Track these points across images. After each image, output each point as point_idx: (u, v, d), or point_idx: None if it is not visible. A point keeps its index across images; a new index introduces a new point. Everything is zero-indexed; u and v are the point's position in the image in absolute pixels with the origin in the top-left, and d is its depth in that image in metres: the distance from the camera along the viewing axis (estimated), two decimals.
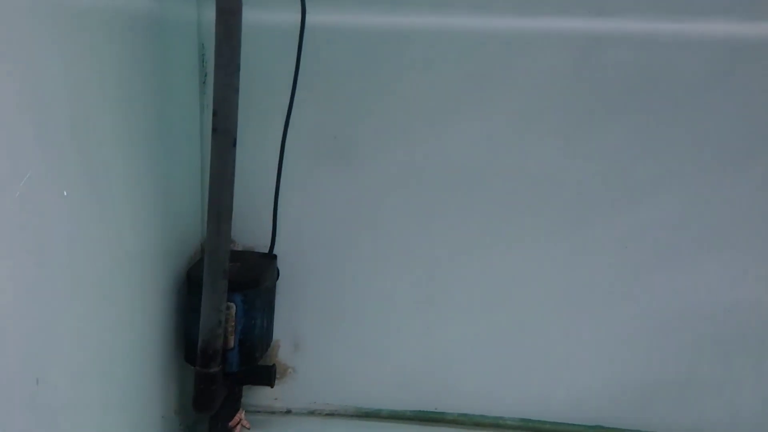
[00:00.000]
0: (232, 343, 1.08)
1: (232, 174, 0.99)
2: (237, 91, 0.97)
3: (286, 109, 1.14)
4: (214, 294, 1.00)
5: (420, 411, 1.26)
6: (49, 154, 0.72)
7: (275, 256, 1.21)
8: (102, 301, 0.85)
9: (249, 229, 1.22)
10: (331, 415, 1.26)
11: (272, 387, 1.18)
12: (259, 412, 1.25)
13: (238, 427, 1.14)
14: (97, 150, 0.83)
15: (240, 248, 1.23)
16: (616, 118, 1.13)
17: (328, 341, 1.26)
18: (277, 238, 1.21)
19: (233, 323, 1.07)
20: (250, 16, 0.97)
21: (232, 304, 1.07)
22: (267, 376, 1.15)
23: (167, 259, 1.06)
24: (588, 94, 1.12)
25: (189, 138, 1.12)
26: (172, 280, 1.08)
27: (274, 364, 1.19)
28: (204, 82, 1.17)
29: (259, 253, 1.21)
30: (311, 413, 1.26)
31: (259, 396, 1.26)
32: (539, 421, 1.23)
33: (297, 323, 1.25)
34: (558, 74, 1.12)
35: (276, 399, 1.27)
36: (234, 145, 0.98)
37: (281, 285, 1.23)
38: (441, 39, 1.13)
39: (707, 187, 1.14)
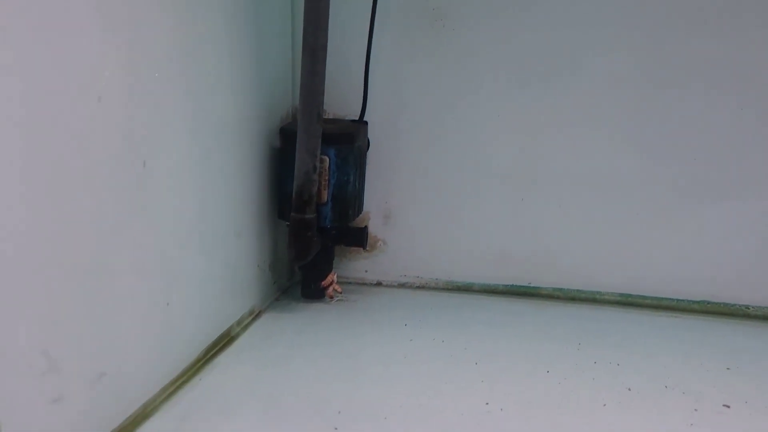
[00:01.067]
0: (325, 197, 1.07)
1: (326, 12, 0.98)
2: None
3: None
4: (310, 137, 1.00)
5: (513, 285, 1.23)
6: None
7: (366, 123, 1.19)
8: (203, 162, 0.85)
9: (342, 99, 1.20)
10: (422, 287, 1.25)
11: (364, 248, 1.17)
12: (348, 283, 1.25)
13: (331, 288, 1.14)
14: (193, 26, 0.82)
15: (331, 117, 1.22)
16: None
17: (419, 214, 1.24)
18: (369, 109, 1.19)
19: (327, 177, 1.07)
20: None
21: (326, 157, 1.06)
22: (359, 236, 1.14)
23: (261, 117, 1.05)
24: None
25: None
26: (267, 136, 1.07)
27: (366, 226, 1.18)
28: None
29: (351, 120, 1.20)
30: (402, 285, 1.25)
31: (349, 268, 1.26)
32: (639, 296, 1.18)
33: (388, 195, 1.24)
34: None
35: (366, 271, 1.26)
36: None
37: (372, 156, 1.22)
38: None
39: None
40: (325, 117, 1.21)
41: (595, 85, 1.13)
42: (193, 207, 0.85)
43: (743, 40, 1.08)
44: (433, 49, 1.18)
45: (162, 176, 0.76)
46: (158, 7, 0.74)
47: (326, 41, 0.99)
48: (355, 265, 1.26)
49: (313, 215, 1.03)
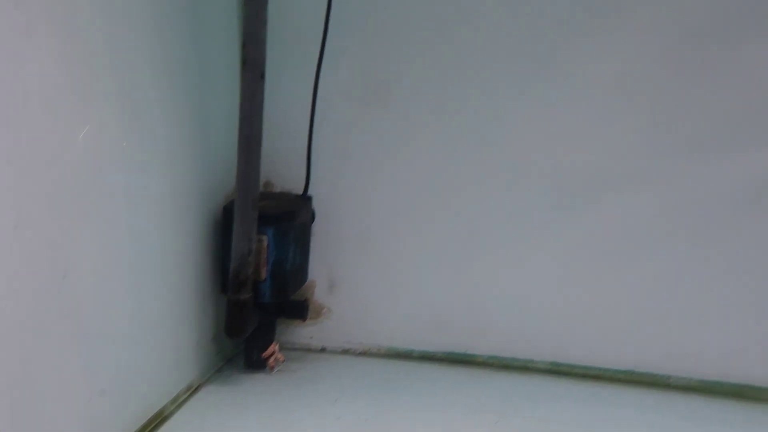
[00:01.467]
0: (264, 274, 1.12)
1: (261, 104, 1.03)
2: (265, 23, 1.01)
3: (321, 53, 1.18)
4: (245, 221, 1.05)
5: (450, 353, 1.27)
6: (89, 100, 0.77)
7: (310, 197, 1.24)
8: (137, 251, 0.90)
9: (290, 173, 1.26)
10: (364, 354, 1.29)
11: (304, 320, 1.22)
12: (294, 349, 1.29)
13: (272, 358, 1.18)
14: (135, 92, 0.87)
15: (278, 190, 1.27)
16: None
17: (363, 281, 1.29)
18: (313, 181, 1.24)
19: (265, 255, 1.11)
20: None
21: (264, 237, 1.11)
22: (299, 309, 1.19)
23: (204, 195, 1.10)
24: None
25: (228, 81, 1.16)
26: (210, 214, 1.12)
27: (306, 299, 1.23)
28: None
29: (295, 194, 1.25)
30: (345, 352, 1.29)
31: (294, 334, 1.30)
32: (569, 365, 1.23)
33: (332, 264, 1.29)
34: None
35: (311, 337, 1.31)
36: (262, 77, 1.02)
37: (317, 226, 1.27)
38: None
39: None
40: (273, 191, 1.27)
41: (526, 149, 1.20)
42: (125, 300, 0.89)
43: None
44: (376, 123, 1.23)
45: (86, 282, 0.80)
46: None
47: (261, 131, 1.04)
48: (301, 331, 1.31)
49: (248, 295, 1.08)
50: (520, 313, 1.24)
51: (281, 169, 1.26)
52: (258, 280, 1.11)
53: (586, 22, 1.14)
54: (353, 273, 1.29)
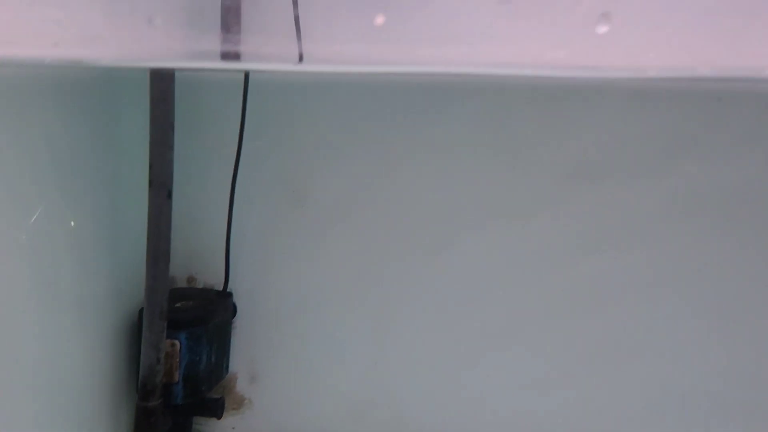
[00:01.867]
0: (176, 377, 1.15)
1: (168, 223, 1.07)
2: (171, 147, 1.06)
3: (238, 156, 1.22)
4: (152, 334, 1.09)
5: None
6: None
7: (230, 294, 1.29)
8: (54, 344, 0.94)
9: (210, 268, 1.30)
10: None
11: (219, 418, 1.25)
12: None
13: None
14: (43, 204, 0.92)
15: (201, 286, 1.31)
16: None
17: (284, 373, 1.33)
18: (235, 276, 1.28)
19: (177, 359, 1.15)
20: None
21: (177, 342, 1.15)
22: (213, 408, 1.22)
23: (118, 302, 1.15)
24: None
25: (140, 198, 1.20)
26: (124, 321, 1.16)
27: (222, 396, 1.26)
28: None
29: (216, 290, 1.29)
30: None
31: (217, 426, 1.34)
32: None
33: (254, 356, 1.33)
34: None
35: (234, 428, 1.34)
36: (169, 196, 1.07)
37: (240, 320, 1.31)
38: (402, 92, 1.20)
39: None
40: (196, 286, 1.31)
41: (438, 244, 1.25)
42: (30, 408, 0.93)
43: None
44: (294, 222, 1.28)
45: None
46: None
47: (168, 247, 1.08)
48: (223, 423, 1.34)
49: (157, 402, 1.11)
50: (435, 405, 1.29)
51: (204, 265, 1.30)
52: (170, 383, 1.15)
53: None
54: (275, 365, 1.33)
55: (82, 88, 1.02)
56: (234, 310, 1.30)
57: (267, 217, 1.29)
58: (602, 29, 0.73)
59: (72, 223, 1.01)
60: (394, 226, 1.26)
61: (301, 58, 1.08)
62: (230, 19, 1.06)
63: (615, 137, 1.17)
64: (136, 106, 1.17)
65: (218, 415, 1.23)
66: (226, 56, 1.06)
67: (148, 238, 1.07)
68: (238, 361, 1.32)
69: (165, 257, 1.08)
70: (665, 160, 1.16)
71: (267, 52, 1.15)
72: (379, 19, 0.80)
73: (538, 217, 1.20)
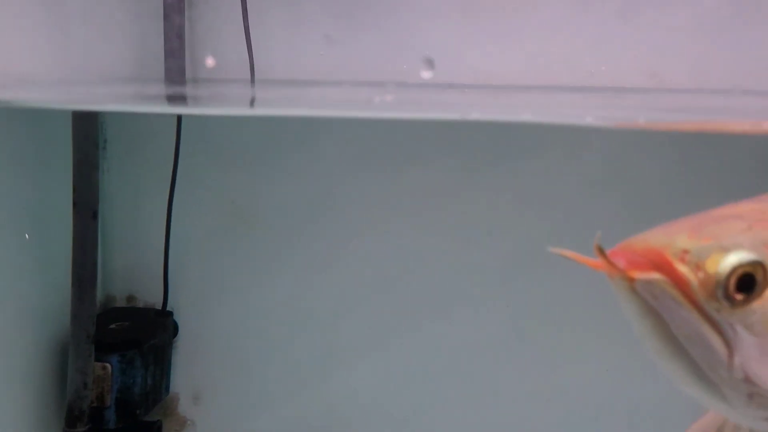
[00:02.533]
0: (108, 401, 1.12)
1: (94, 244, 1.04)
2: (96, 167, 1.03)
3: (174, 171, 1.20)
4: (78, 358, 1.06)
5: None
6: None
7: (170, 313, 1.26)
8: None
9: (150, 287, 1.27)
10: None
11: None
12: None
13: None
14: None
15: (142, 305, 1.28)
16: None
17: (228, 394, 1.30)
18: (177, 295, 1.26)
19: (109, 383, 1.12)
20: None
21: (108, 365, 1.12)
22: (150, 431, 1.19)
23: (45, 326, 1.11)
24: None
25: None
26: (54, 345, 1.13)
27: (159, 420, 1.23)
28: (104, 148, 1.23)
29: (156, 310, 1.26)
30: None
31: None
32: None
33: (197, 376, 1.30)
34: None
35: None
36: (94, 217, 1.04)
37: (182, 339, 1.28)
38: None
39: None
40: (136, 305, 1.28)
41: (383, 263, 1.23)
42: None
43: None
44: (238, 242, 1.25)
45: None
46: None
47: (94, 270, 1.05)
48: None
49: (84, 428, 1.08)
50: (379, 420, 1.26)
51: (144, 284, 1.27)
52: (102, 407, 1.12)
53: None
54: (217, 385, 1.30)
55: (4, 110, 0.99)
56: (175, 330, 1.27)
57: (209, 234, 1.26)
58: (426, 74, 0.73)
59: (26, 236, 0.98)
60: (340, 244, 1.23)
61: (252, 103, 1.06)
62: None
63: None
64: (63, 125, 1.14)
65: None
66: (172, 99, 1.05)
67: (73, 260, 1.04)
68: (180, 382, 1.29)
69: (91, 279, 1.05)
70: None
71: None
72: None
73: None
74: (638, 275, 0.44)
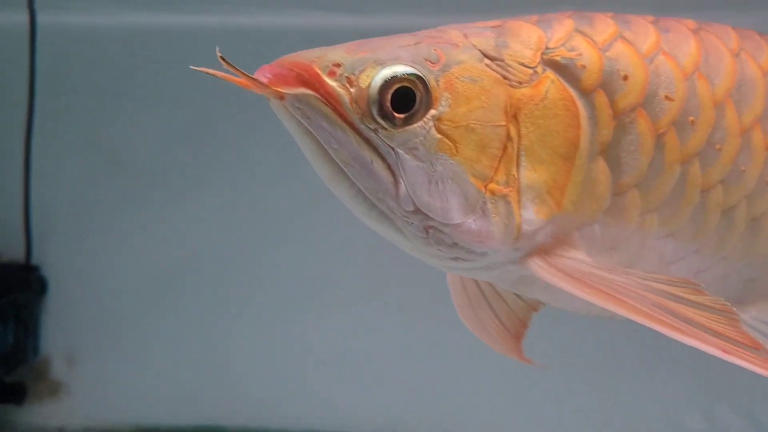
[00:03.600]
0: None
1: None
2: None
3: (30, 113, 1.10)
4: None
5: (200, 425, 1.20)
6: None
7: (34, 268, 1.15)
8: None
9: (14, 240, 1.17)
10: None
11: (19, 405, 1.13)
12: (32, 430, 1.19)
13: None
14: None
15: (5, 260, 1.18)
16: None
17: (106, 355, 1.20)
18: (45, 249, 1.16)
19: None
20: None
21: None
22: (12, 393, 1.09)
23: None
24: None
25: None
26: None
27: (22, 381, 1.13)
28: None
29: (19, 265, 1.16)
30: (86, 430, 1.20)
31: (32, 413, 1.21)
32: None
33: (70, 337, 1.20)
34: None
35: (50, 417, 1.21)
36: None
37: (52, 297, 1.18)
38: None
39: None
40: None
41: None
42: None
43: None
44: (110, 190, 1.16)
45: None
46: None
47: None
48: (39, 410, 1.21)
49: None
50: (273, 381, 1.19)
51: (4, 237, 1.17)
52: None
53: None
54: (94, 346, 1.21)
55: None
56: (42, 286, 1.17)
57: (79, 183, 1.16)
58: None
59: None
60: (226, 190, 1.15)
61: None
62: None
63: None
64: None
65: (18, 401, 1.10)
66: None
67: None
68: (52, 343, 1.19)
69: None
70: None
71: None
72: None
73: None
74: (284, 90, 0.40)
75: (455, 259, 0.45)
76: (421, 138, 0.42)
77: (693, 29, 0.51)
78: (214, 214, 1.16)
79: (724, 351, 0.39)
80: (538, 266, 0.45)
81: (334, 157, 0.41)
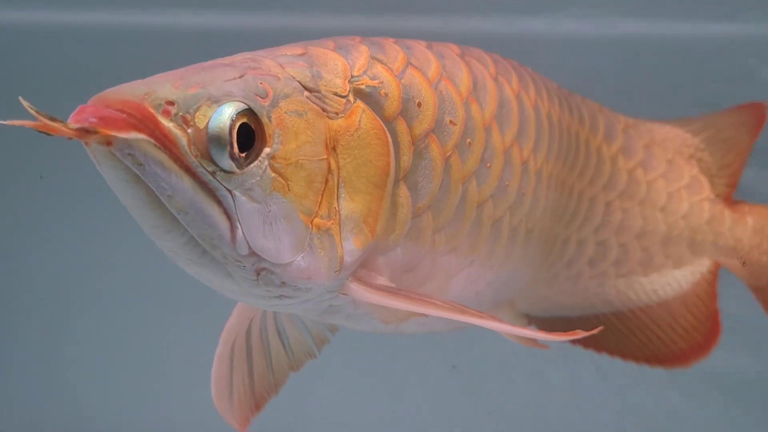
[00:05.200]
0: None
1: None
2: None
3: None
4: None
5: None
6: None
7: None
8: None
9: None
10: None
11: None
12: None
13: None
14: None
15: None
16: None
17: None
18: None
19: None
20: None
21: None
22: None
23: None
24: None
25: None
26: None
27: None
28: None
29: None
30: None
31: None
32: None
33: None
34: None
35: None
36: None
37: None
38: None
39: None
40: None
41: None
42: None
43: None
44: None
45: None
46: None
47: None
48: None
49: None
50: (114, 398, 1.13)
51: None
52: None
53: None
54: None
55: None
56: None
57: None
58: None
59: None
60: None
61: None
62: None
63: None
64: None
65: None
66: None
67: None
68: None
69: None
70: None
71: None
72: None
73: None
74: (116, 134, 0.35)
75: (279, 297, 0.44)
76: (258, 178, 0.40)
77: (459, 54, 0.54)
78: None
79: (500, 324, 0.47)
80: (354, 290, 0.46)
81: (167, 205, 0.38)
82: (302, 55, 0.45)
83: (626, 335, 0.65)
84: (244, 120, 0.39)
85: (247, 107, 0.39)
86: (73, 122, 0.34)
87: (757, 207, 0.66)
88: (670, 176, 0.64)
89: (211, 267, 0.41)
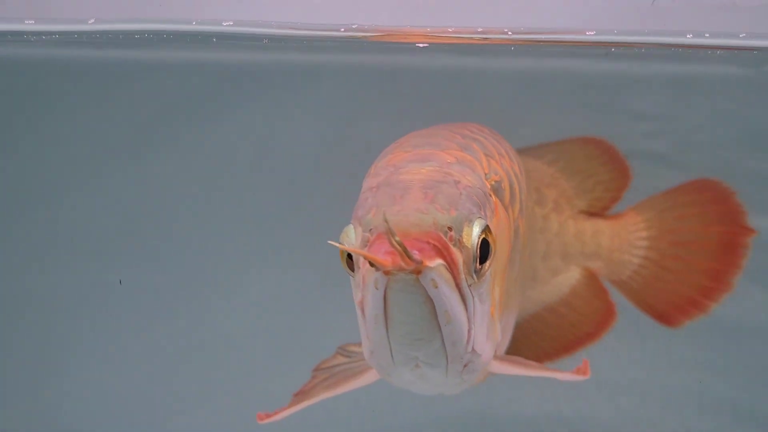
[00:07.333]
0: None
1: None
2: None
3: None
4: None
5: None
6: None
7: None
8: None
9: None
10: None
11: None
12: None
13: None
14: None
15: None
16: None
17: None
18: None
19: None
20: None
21: None
22: None
23: None
24: None
25: None
26: None
27: None
28: None
29: None
30: None
31: None
32: None
33: None
34: None
35: None
36: None
37: None
38: None
39: None
40: None
41: None
42: None
43: None
44: None
45: None
46: None
47: None
48: None
49: None
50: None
51: None
52: None
53: None
54: None
55: None
56: None
57: None
58: None
59: None
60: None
61: None
62: None
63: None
64: None
65: None
66: None
67: None
68: None
69: None
70: None
71: None
72: None
73: None
74: (430, 264, 0.40)
75: (463, 383, 0.49)
76: (486, 284, 0.45)
77: (488, 132, 0.60)
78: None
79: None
80: (496, 366, 0.52)
81: (439, 318, 0.42)
82: (458, 162, 0.49)
83: (537, 339, 0.73)
84: (484, 236, 0.43)
85: (486, 224, 0.44)
86: (385, 255, 0.38)
87: (616, 215, 0.73)
88: (541, 202, 0.73)
89: (441, 369, 0.45)
